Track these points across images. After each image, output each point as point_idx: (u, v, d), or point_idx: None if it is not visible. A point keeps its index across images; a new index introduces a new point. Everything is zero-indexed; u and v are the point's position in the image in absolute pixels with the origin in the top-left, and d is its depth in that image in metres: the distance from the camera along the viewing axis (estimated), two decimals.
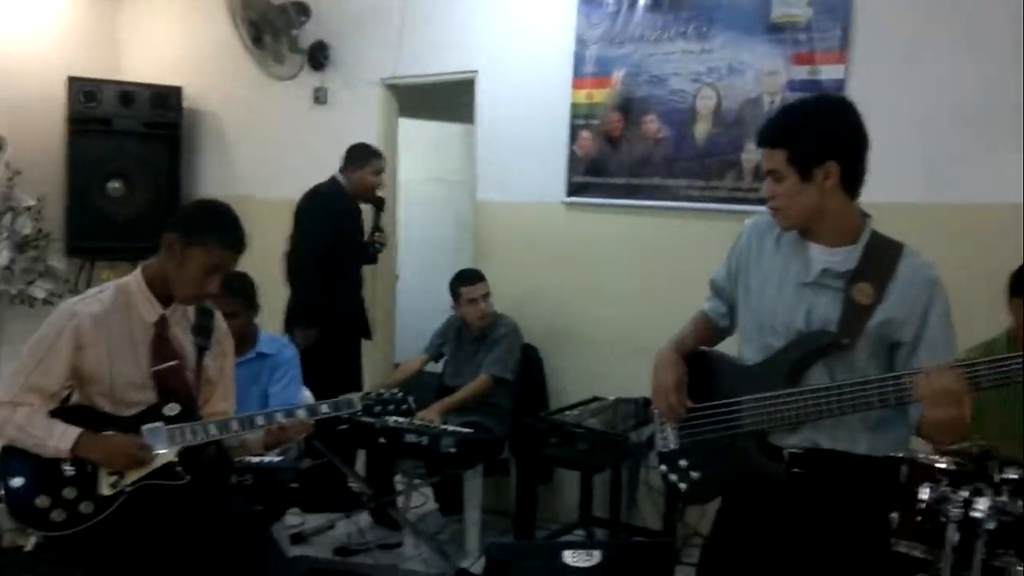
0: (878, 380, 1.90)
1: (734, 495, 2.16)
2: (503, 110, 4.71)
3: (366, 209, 4.72)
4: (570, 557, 2.69)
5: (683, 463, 2.21)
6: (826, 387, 1.96)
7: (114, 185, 5.64)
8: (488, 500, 4.36)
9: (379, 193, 4.66)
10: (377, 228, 4.67)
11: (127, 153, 5.67)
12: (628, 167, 4.32)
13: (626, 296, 4.34)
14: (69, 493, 2.39)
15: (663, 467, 2.28)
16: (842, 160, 1.97)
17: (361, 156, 4.61)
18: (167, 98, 5.77)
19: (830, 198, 1.99)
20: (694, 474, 2.19)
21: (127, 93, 5.68)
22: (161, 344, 2.52)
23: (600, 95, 4.38)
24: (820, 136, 1.98)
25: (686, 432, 2.20)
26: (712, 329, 2.32)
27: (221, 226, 2.47)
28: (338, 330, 4.52)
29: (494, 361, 4.20)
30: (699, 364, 2.25)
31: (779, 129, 2.03)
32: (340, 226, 4.57)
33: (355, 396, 2.68)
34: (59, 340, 2.42)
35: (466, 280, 4.33)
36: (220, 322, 2.71)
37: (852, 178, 2.01)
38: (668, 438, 2.25)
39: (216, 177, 5.92)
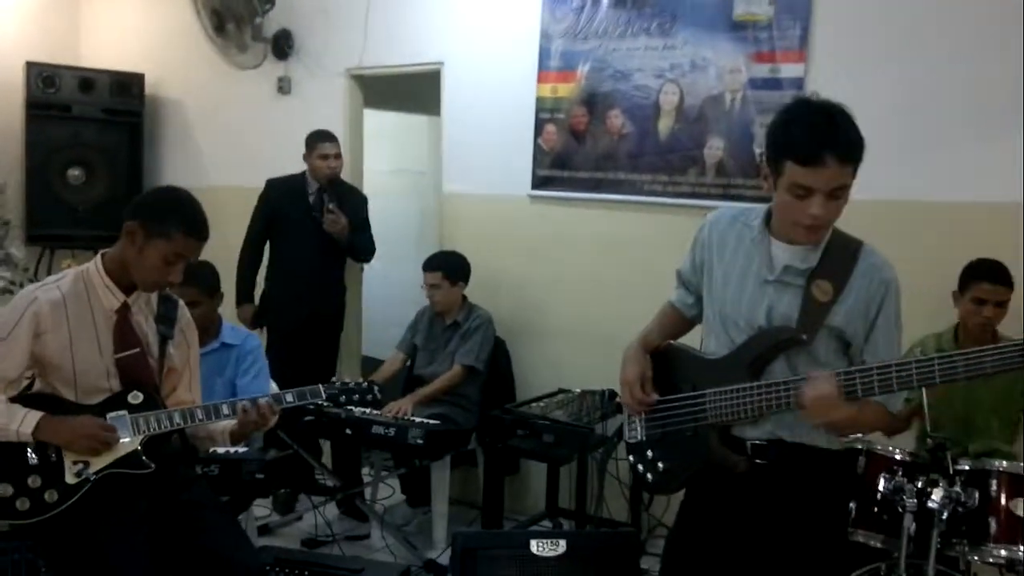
0: (836, 374, 1.93)
1: (698, 485, 2.20)
2: (469, 102, 4.72)
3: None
4: (536, 546, 2.74)
5: (650, 454, 2.25)
6: (785, 381, 1.99)
7: (74, 172, 5.56)
8: (455, 491, 4.39)
9: (331, 174, 4.59)
10: (326, 208, 4.54)
11: (87, 140, 5.59)
12: (593, 161, 4.35)
13: (591, 289, 4.39)
14: (34, 481, 2.38)
15: (631, 458, 2.32)
16: None
17: (309, 142, 4.62)
18: (129, 85, 5.69)
19: None
20: (661, 465, 2.23)
21: (87, 79, 5.59)
22: (123, 331, 2.51)
23: (565, 89, 4.41)
24: (864, 142, 1.97)
25: (653, 424, 2.24)
26: (680, 319, 2.34)
27: (184, 214, 2.45)
28: (282, 323, 4.53)
29: (468, 351, 4.22)
30: (665, 358, 2.28)
31: (852, 144, 1.93)
32: (282, 212, 4.62)
33: (320, 386, 2.68)
34: (18, 326, 2.39)
35: (424, 267, 4.37)
36: (184, 311, 2.70)
37: None
38: (636, 430, 2.29)
39: (178, 165, 5.86)
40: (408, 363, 4.47)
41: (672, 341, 2.31)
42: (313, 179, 4.61)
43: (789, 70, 3.83)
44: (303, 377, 2.92)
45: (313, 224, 4.55)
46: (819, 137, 1.91)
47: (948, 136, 3.51)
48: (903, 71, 3.59)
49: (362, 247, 4.78)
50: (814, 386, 1.90)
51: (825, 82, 3.68)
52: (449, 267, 4.33)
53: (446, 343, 4.34)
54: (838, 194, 1.93)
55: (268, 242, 4.72)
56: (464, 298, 4.38)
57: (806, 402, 1.91)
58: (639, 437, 2.28)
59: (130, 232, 2.42)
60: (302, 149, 4.66)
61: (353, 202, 4.73)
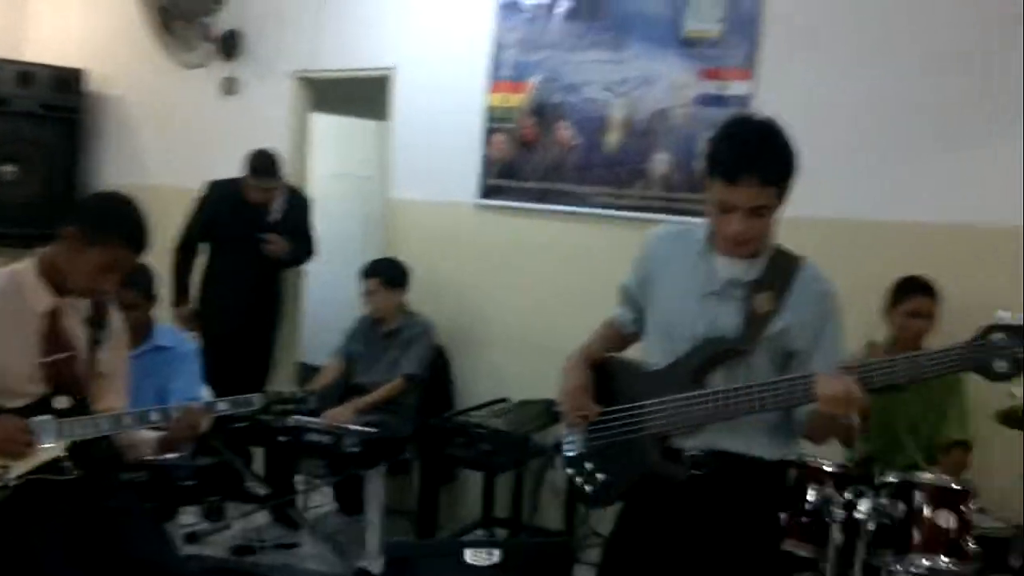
0: (773, 383, 1.96)
1: (636, 496, 2.20)
2: (418, 108, 4.70)
3: None
4: (471, 555, 2.72)
5: (589, 466, 2.25)
6: (725, 390, 2.01)
7: (8, 168, 5.42)
8: (389, 500, 4.33)
9: (267, 203, 4.54)
10: (256, 220, 4.50)
11: (23, 135, 5.47)
12: (541, 172, 4.36)
13: (535, 299, 4.39)
14: None
15: (570, 470, 2.30)
16: None
17: (249, 168, 4.49)
18: (68, 80, 5.58)
19: None
20: (599, 476, 2.23)
21: (26, 73, 5.47)
22: (53, 334, 2.43)
23: (516, 99, 4.41)
24: (793, 163, 2.00)
25: (592, 436, 2.24)
26: (619, 336, 2.35)
27: (125, 224, 2.40)
28: (214, 325, 4.46)
29: (411, 361, 4.19)
30: (606, 370, 2.29)
31: (779, 165, 1.97)
32: (221, 217, 4.56)
33: (254, 396, 2.64)
34: None
35: (362, 274, 4.33)
36: (116, 317, 2.64)
37: None
38: (575, 442, 2.28)
39: (118, 164, 5.75)
40: (345, 371, 4.41)
41: (612, 355, 2.31)
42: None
43: (736, 87, 3.87)
44: (235, 382, 2.87)
45: (250, 232, 4.48)
46: (741, 157, 1.96)
47: (891, 154, 3.56)
48: (849, 90, 3.64)
49: (298, 259, 4.76)
50: (836, 379, 1.89)
51: (772, 100, 3.73)
52: (387, 273, 4.30)
53: (384, 351, 4.29)
54: (761, 212, 1.97)
55: (206, 244, 4.65)
56: (403, 305, 4.34)
57: (826, 394, 1.89)
58: (579, 449, 2.27)
59: (68, 237, 2.36)
60: (245, 151, 4.58)
61: (299, 208, 4.69)
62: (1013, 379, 1.80)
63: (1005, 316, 1.79)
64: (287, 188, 4.67)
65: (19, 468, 2.33)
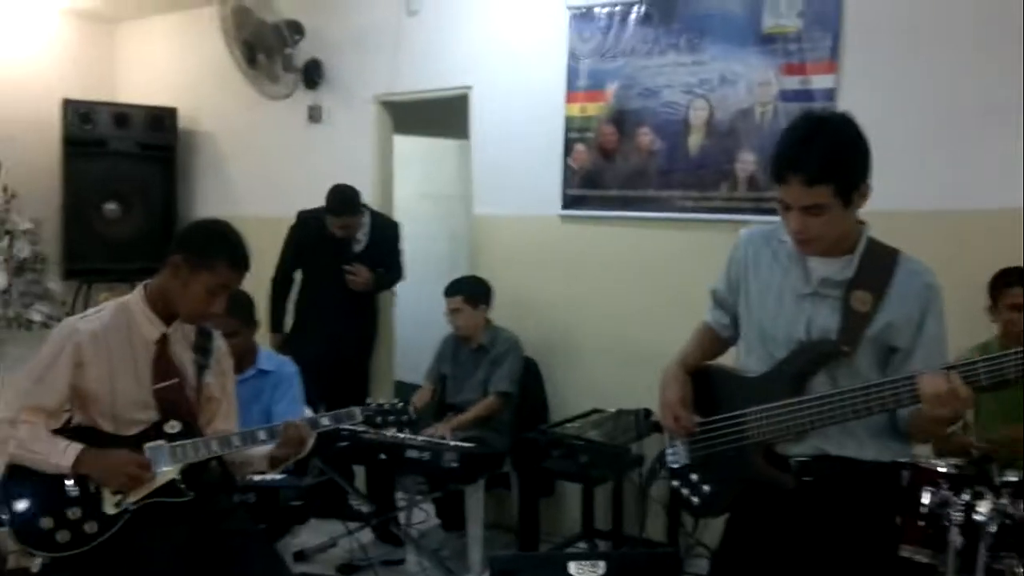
0: (876, 385, 1.91)
1: (744, 506, 2.17)
2: (498, 125, 4.73)
3: None
4: (575, 568, 2.69)
5: (694, 477, 2.23)
6: (828, 395, 1.96)
7: (110, 207, 5.64)
8: (490, 515, 4.36)
9: (349, 237, 4.61)
10: (346, 263, 4.58)
11: (123, 174, 5.68)
12: (623, 179, 4.34)
13: (623, 307, 4.36)
14: (73, 514, 2.38)
15: (675, 482, 2.28)
16: (869, 177, 1.97)
17: (327, 206, 4.55)
18: (162, 119, 5.79)
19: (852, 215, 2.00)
20: (706, 487, 2.20)
21: (122, 114, 5.69)
22: (162, 362, 2.53)
23: (594, 108, 4.41)
24: (861, 162, 1.95)
25: (696, 447, 2.22)
26: (716, 340, 2.32)
27: (228, 247, 2.50)
28: (310, 350, 4.44)
29: (502, 378, 4.21)
30: (705, 379, 2.26)
31: (824, 165, 1.91)
32: (310, 246, 4.66)
33: (356, 408, 2.68)
34: (59, 357, 2.42)
35: (445, 292, 4.38)
36: (219, 341, 2.72)
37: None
38: (679, 453, 2.26)
39: (212, 197, 5.93)
40: (438, 392, 4.47)
41: (711, 361, 2.28)
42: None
43: (820, 81, 3.79)
44: (330, 408, 2.92)
45: (337, 262, 4.57)
46: (785, 156, 1.95)
47: (985, 142, 3.45)
48: (937, 77, 3.54)
49: (390, 282, 4.84)
50: (939, 377, 1.84)
51: (856, 92, 3.66)
52: (469, 291, 4.33)
53: (474, 369, 4.33)
54: (815, 212, 1.93)
55: (300, 272, 4.76)
56: (488, 321, 4.37)
57: (929, 392, 1.84)
58: (682, 461, 2.25)
59: (175, 265, 2.46)
60: (333, 176, 4.69)
61: (385, 234, 4.75)
62: None
63: None
64: (371, 215, 4.74)
65: (137, 493, 2.42)
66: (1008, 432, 2.93)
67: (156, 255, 2.53)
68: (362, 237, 4.66)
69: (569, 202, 4.51)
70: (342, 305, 4.65)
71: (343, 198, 4.54)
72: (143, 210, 5.72)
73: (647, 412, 3.96)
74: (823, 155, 1.92)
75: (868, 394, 1.91)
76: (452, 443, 3.86)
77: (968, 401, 1.80)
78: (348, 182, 4.92)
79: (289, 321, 4.79)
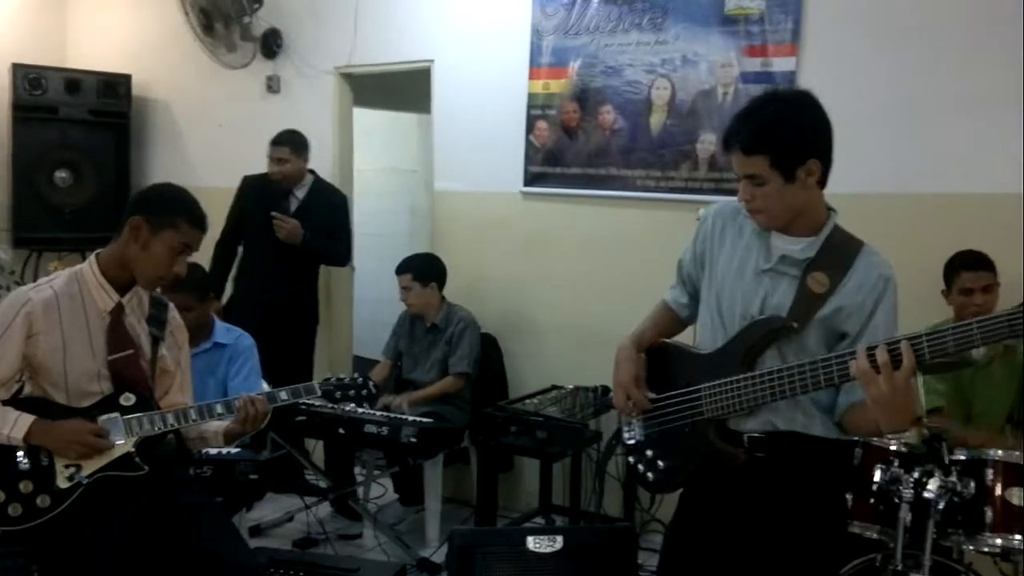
0: (823, 360, 1.91)
1: (697, 481, 2.19)
2: (460, 100, 4.70)
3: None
4: (533, 543, 2.72)
5: (649, 453, 2.24)
6: (777, 370, 1.98)
7: (61, 174, 5.51)
8: (448, 489, 4.38)
9: (278, 177, 4.50)
10: (280, 209, 4.46)
11: (74, 142, 5.55)
12: (585, 157, 4.35)
13: (584, 285, 4.38)
14: (25, 487, 2.35)
15: (631, 459, 2.30)
16: (821, 156, 1.99)
17: (273, 138, 4.54)
18: (115, 86, 5.65)
19: (809, 194, 2.01)
20: (661, 463, 2.22)
21: (74, 80, 5.55)
22: (117, 333, 2.48)
23: (557, 85, 4.40)
24: (800, 136, 1.97)
25: (651, 423, 2.23)
26: (673, 319, 2.34)
27: (188, 205, 2.48)
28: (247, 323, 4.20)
29: (460, 359, 4.22)
30: (660, 356, 2.27)
31: (756, 135, 1.96)
32: (250, 211, 4.57)
33: (315, 383, 2.66)
34: (11, 327, 2.37)
35: (395, 271, 4.36)
36: (174, 313, 2.69)
37: (827, 172, 2.03)
38: (634, 430, 2.28)
39: (167, 166, 5.82)
40: (395, 368, 4.46)
41: (665, 339, 2.29)
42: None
43: (781, 63, 3.82)
44: (277, 380, 2.90)
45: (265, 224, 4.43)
46: (731, 126, 2.02)
47: (943, 126, 3.49)
48: (896, 62, 3.58)
49: (333, 252, 4.67)
50: (880, 351, 1.79)
51: (817, 75, 3.69)
52: (418, 268, 4.32)
53: (429, 347, 4.33)
54: (756, 182, 1.99)
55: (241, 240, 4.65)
56: (442, 299, 4.36)
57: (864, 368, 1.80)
58: (638, 437, 2.27)
59: (135, 227, 2.42)
60: None
61: (326, 202, 4.63)
62: None
63: None
64: (316, 178, 4.64)
65: (91, 466, 2.39)
66: (981, 438, 3.00)
67: (108, 224, 2.49)
68: (300, 195, 4.56)
69: (531, 179, 4.51)
70: (277, 279, 4.52)
71: (289, 132, 4.53)
72: (95, 179, 5.59)
73: (605, 389, 3.99)
74: (760, 126, 1.97)
75: (815, 368, 1.91)
76: (411, 418, 3.86)
77: (900, 379, 1.75)
78: None
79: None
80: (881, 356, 1.77)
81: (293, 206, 4.53)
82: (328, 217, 4.61)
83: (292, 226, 4.40)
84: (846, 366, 1.86)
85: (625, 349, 2.28)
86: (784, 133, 1.96)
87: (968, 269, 3.14)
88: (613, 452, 3.08)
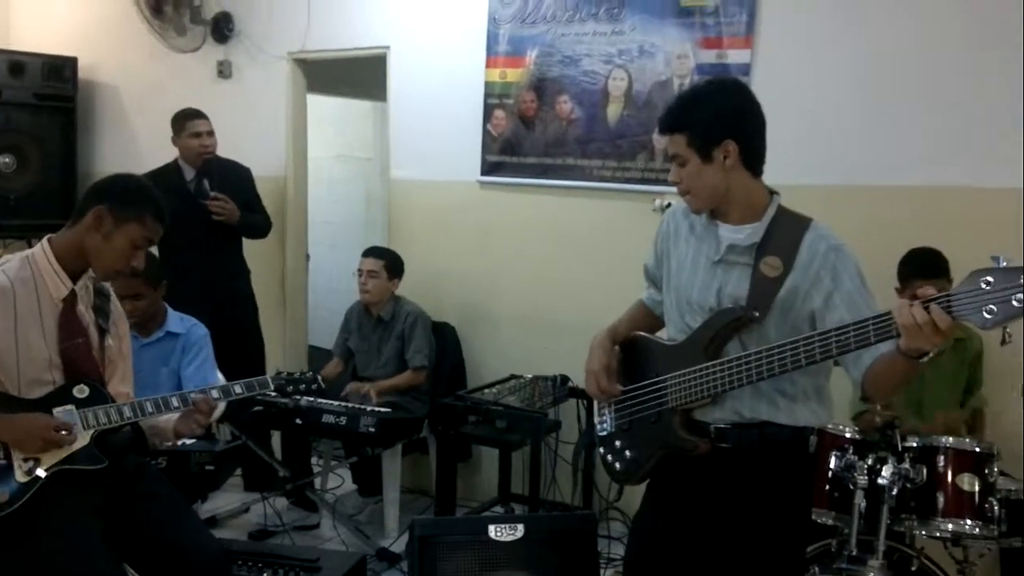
0: (838, 331, 1.87)
1: (664, 471, 2.22)
2: (416, 88, 4.67)
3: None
4: (494, 531, 2.73)
5: (618, 444, 2.27)
6: (741, 356, 2.00)
7: (5, 159, 5.37)
8: (407, 480, 4.37)
9: (205, 152, 4.35)
10: (210, 196, 4.28)
11: (18, 126, 5.40)
12: (542, 147, 4.35)
13: (541, 274, 4.39)
14: None
15: (601, 449, 2.33)
16: (738, 138, 2.04)
17: (176, 123, 4.39)
18: (61, 69, 5.51)
19: (733, 177, 2.05)
20: (628, 453, 2.25)
21: (17, 63, 5.39)
22: (69, 321, 2.43)
23: (514, 74, 4.40)
24: (714, 117, 2.04)
25: (622, 414, 2.26)
26: (649, 315, 2.38)
27: (154, 200, 2.45)
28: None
29: (417, 352, 4.22)
30: (631, 349, 2.31)
31: (676, 114, 2.09)
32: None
33: (268, 377, 2.65)
34: None
35: (365, 253, 4.35)
36: (115, 303, 2.64)
37: (751, 155, 2.07)
38: (606, 421, 2.31)
39: (114, 152, 5.70)
40: (347, 366, 4.45)
41: (638, 332, 2.32)
42: (187, 163, 4.39)
43: (736, 56, 3.86)
44: (232, 372, 2.86)
45: (199, 213, 4.26)
46: (663, 112, 2.15)
47: (901, 119, 3.54)
48: (851, 56, 3.63)
49: (256, 225, 4.53)
50: (918, 308, 1.72)
51: (772, 67, 3.75)
52: (392, 260, 4.32)
53: (380, 343, 4.32)
54: (679, 162, 2.09)
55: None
56: (393, 294, 4.35)
57: (906, 323, 1.73)
58: (609, 428, 2.29)
59: (98, 217, 2.37)
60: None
61: (237, 178, 4.51)
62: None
63: (1000, 262, 1.63)
64: (216, 157, 4.47)
65: (49, 460, 2.34)
66: (945, 419, 3.05)
67: (55, 211, 2.42)
68: (215, 175, 4.39)
69: (488, 168, 4.51)
70: (213, 268, 4.35)
71: (194, 108, 4.41)
72: (40, 164, 5.45)
73: (564, 378, 4.02)
74: (679, 106, 2.09)
75: (811, 342, 1.88)
76: (369, 408, 3.85)
77: (948, 330, 1.70)
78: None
79: None
80: (935, 311, 1.70)
81: (212, 189, 4.34)
82: (242, 191, 4.47)
83: (231, 208, 4.28)
84: (864, 332, 1.81)
85: (598, 339, 2.32)
86: (700, 112, 2.06)
87: (922, 277, 2.96)
88: (583, 445, 3.11)
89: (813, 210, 2.16)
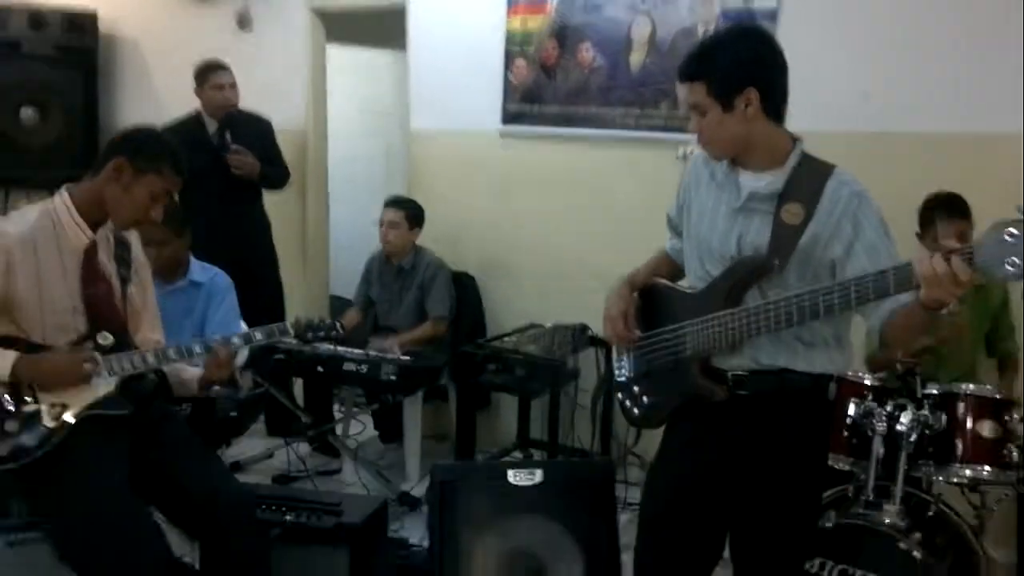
0: (825, 287, 1.89)
1: (680, 417, 2.23)
2: (436, 37, 4.64)
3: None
4: (513, 476, 2.76)
5: (636, 389, 2.28)
6: (763, 303, 1.99)
7: (27, 112, 5.37)
8: (427, 426, 4.42)
9: (228, 104, 4.38)
10: (230, 150, 4.31)
11: (40, 79, 5.38)
12: (564, 95, 4.32)
13: (562, 224, 4.39)
14: (11, 426, 2.31)
15: (619, 395, 2.34)
16: (759, 85, 1.99)
17: (199, 75, 4.40)
18: (82, 22, 5.47)
19: (754, 125, 2.02)
20: (646, 399, 2.26)
21: (37, 16, 5.36)
22: (91, 269, 2.46)
23: (535, 22, 4.35)
24: (734, 64, 2.00)
25: (639, 360, 2.27)
26: (671, 264, 2.37)
27: (172, 152, 2.46)
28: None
29: (436, 304, 4.24)
30: (651, 296, 2.30)
31: (695, 62, 2.04)
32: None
33: (287, 323, 2.67)
34: None
35: (387, 203, 4.35)
36: (138, 251, 2.66)
37: (773, 103, 2.03)
38: (624, 367, 2.31)
39: (136, 104, 5.70)
40: (366, 315, 4.46)
41: (657, 279, 2.32)
42: (209, 115, 4.41)
43: (762, 2, 3.80)
44: (252, 323, 2.87)
45: (220, 166, 4.28)
46: (683, 61, 2.08)
47: (927, 66, 3.49)
48: (878, 4, 3.57)
49: (276, 177, 4.56)
50: (938, 260, 1.70)
51: (799, 14, 3.68)
52: (413, 210, 4.32)
53: (401, 291, 4.33)
54: (700, 111, 2.04)
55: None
56: (413, 244, 4.36)
57: (927, 273, 1.70)
58: (627, 374, 2.30)
59: (118, 168, 2.38)
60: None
61: (258, 130, 4.52)
62: None
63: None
64: (244, 113, 4.50)
65: (76, 405, 2.37)
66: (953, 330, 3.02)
67: (77, 162, 2.44)
68: (234, 126, 4.41)
69: (509, 117, 4.48)
70: (234, 221, 4.37)
71: (213, 61, 4.40)
72: (62, 116, 5.44)
73: (583, 327, 4.03)
74: (698, 55, 2.04)
75: (830, 292, 1.86)
76: (390, 356, 3.88)
77: (968, 282, 1.67)
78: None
79: None
80: (955, 261, 1.68)
81: (232, 139, 4.37)
82: (262, 143, 4.49)
83: (251, 162, 4.31)
84: (883, 282, 1.80)
85: (616, 285, 2.31)
86: (720, 60, 2.01)
87: (943, 217, 3.05)
88: (602, 392, 3.11)
89: (837, 157, 2.12)
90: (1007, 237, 1.61)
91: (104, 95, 5.68)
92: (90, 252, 2.46)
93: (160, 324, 2.74)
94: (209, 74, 4.38)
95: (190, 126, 4.36)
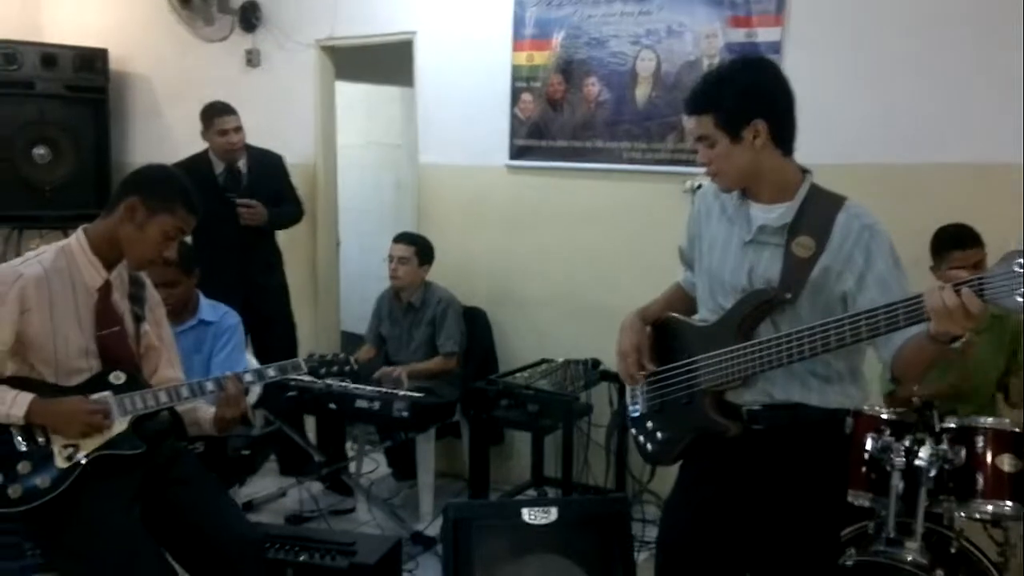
0: (835, 321, 1.87)
1: (697, 453, 2.21)
2: (443, 72, 4.67)
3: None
4: (528, 515, 2.74)
5: (650, 425, 2.27)
6: (775, 337, 1.98)
7: (39, 151, 5.42)
8: (440, 463, 4.39)
9: (232, 150, 4.36)
10: (227, 191, 4.31)
11: (52, 117, 5.45)
12: (570, 130, 4.34)
13: (571, 257, 4.38)
14: (24, 468, 2.32)
15: (633, 430, 2.33)
16: (768, 117, 2.00)
17: (206, 117, 4.40)
18: (92, 60, 5.55)
19: (763, 156, 2.02)
20: (659, 435, 2.25)
21: (50, 55, 5.44)
22: (104, 310, 2.47)
23: (541, 57, 4.38)
24: (743, 96, 2.00)
25: (653, 396, 2.26)
26: (684, 297, 2.37)
27: (185, 191, 2.47)
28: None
29: (447, 339, 4.24)
30: (663, 329, 2.30)
31: (702, 95, 2.05)
32: None
33: (300, 359, 2.67)
34: (5, 303, 2.33)
35: (396, 239, 4.36)
36: (152, 291, 2.68)
37: (781, 134, 2.03)
38: (638, 403, 2.30)
39: (147, 142, 5.75)
40: (380, 352, 4.46)
41: (670, 313, 2.31)
42: (218, 157, 4.42)
43: (765, 34, 3.82)
44: (264, 360, 2.86)
45: (228, 206, 4.27)
46: (689, 91, 2.11)
47: (931, 97, 3.50)
48: (882, 35, 3.58)
49: (287, 217, 4.55)
50: (948, 292, 1.69)
51: (803, 45, 3.70)
52: (423, 247, 4.33)
53: (411, 328, 4.33)
54: (708, 143, 2.05)
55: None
56: (423, 280, 4.36)
57: (936, 307, 1.69)
58: (641, 410, 2.29)
59: (131, 208, 2.40)
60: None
61: (270, 166, 4.53)
62: None
63: None
64: (248, 148, 4.49)
65: (89, 446, 2.38)
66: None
67: (90, 202, 2.45)
68: (243, 167, 4.43)
69: (516, 152, 4.50)
70: (243, 261, 4.36)
71: (220, 103, 4.38)
72: (74, 155, 5.50)
73: (595, 362, 4.01)
74: (705, 87, 2.05)
75: (842, 325, 1.84)
76: (402, 393, 3.87)
77: (980, 316, 1.66)
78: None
79: None
80: (966, 294, 1.67)
81: (243, 181, 4.40)
82: (274, 179, 4.51)
83: (260, 212, 4.31)
84: (895, 316, 1.78)
85: (628, 319, 2.31)
86: (727, 92, 2.01)
87: (959, 248, 3.05)
88: (616, 428, 3.09)
89: (845, 189, 2.12)
90: (1016, 268, 1.61)
91: (115, 132, 5.74)
92: (104, 292, 2.47)
93: (179, 361, 2.75)
94: (214, 117, 4.38)
95: (198, 165, 4.36)
